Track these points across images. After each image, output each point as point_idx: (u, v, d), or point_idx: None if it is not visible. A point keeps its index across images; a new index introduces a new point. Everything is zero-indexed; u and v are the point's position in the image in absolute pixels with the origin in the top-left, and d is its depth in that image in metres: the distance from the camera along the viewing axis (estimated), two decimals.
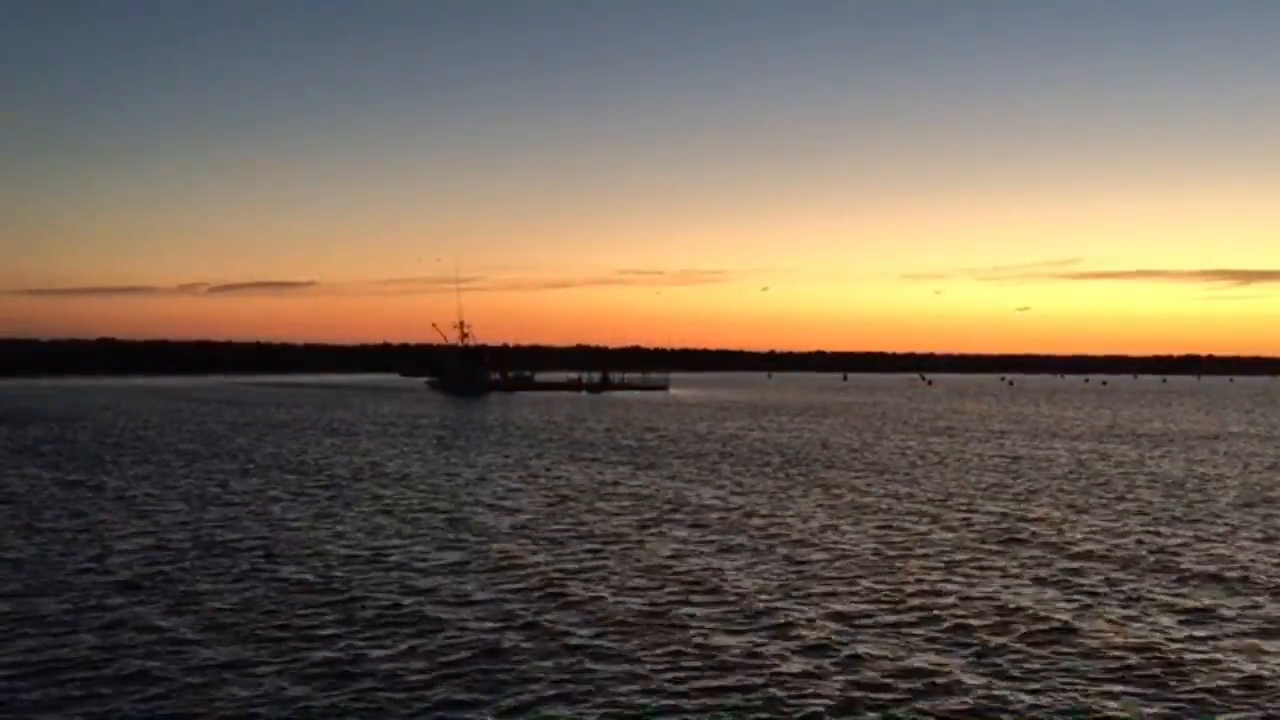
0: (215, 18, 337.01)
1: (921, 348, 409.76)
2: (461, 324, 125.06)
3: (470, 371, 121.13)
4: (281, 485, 29.93)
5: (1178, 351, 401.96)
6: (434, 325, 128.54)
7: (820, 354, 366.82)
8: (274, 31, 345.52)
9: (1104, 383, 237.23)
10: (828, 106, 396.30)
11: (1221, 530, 22.77)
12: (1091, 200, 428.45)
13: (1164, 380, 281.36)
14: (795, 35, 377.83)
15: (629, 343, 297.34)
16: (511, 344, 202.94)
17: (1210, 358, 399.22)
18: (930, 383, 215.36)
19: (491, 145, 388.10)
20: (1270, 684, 11.94)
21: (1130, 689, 11.77)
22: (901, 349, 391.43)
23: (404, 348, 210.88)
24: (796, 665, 12.56)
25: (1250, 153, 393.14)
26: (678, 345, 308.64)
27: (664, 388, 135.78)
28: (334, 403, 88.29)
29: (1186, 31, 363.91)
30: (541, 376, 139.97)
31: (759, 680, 11.96)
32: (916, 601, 15.82)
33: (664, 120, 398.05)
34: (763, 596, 16.04)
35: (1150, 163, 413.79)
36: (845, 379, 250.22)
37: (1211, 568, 18.45)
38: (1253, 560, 19.18)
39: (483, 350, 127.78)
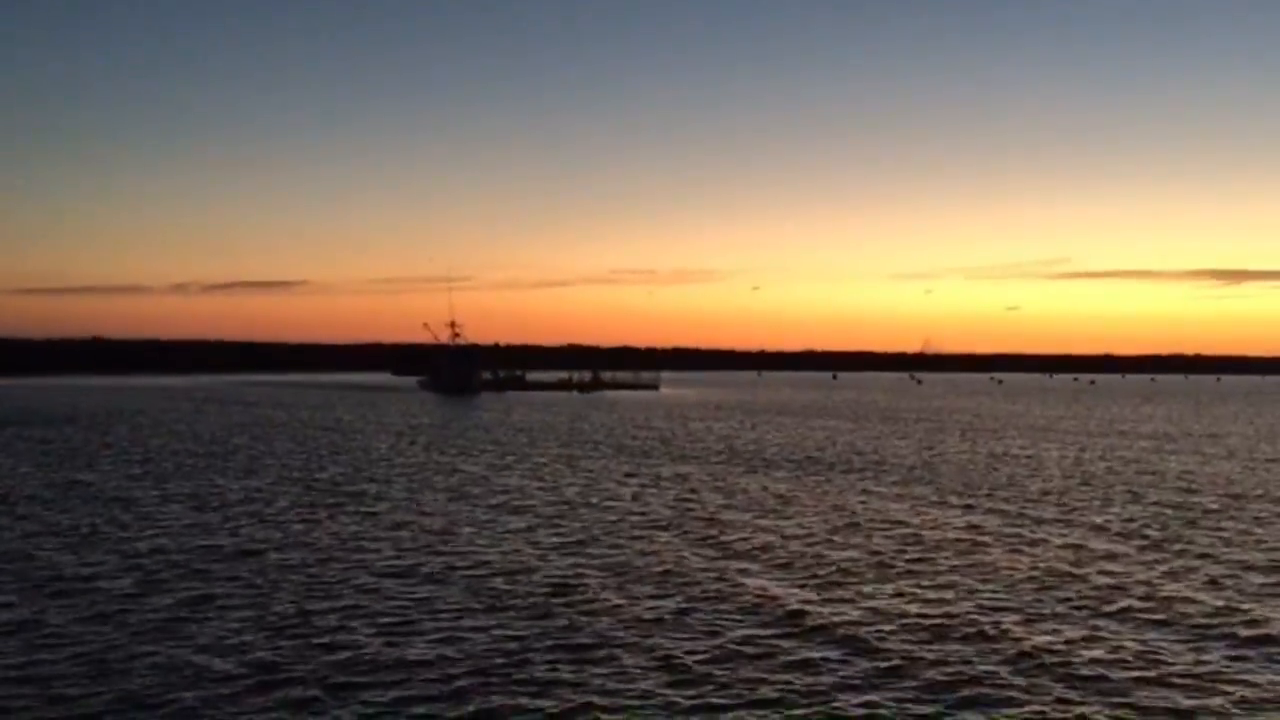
0: (207, 17, 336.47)
1: (912, 347, 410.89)
2: (453, 323, 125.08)
3: (462, 371, 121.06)
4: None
5: (1165, 351, 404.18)
6: (425, 325, 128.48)
7: (811, 353, 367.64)
8: (265, 31, 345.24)
9: (1092, 382, 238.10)
10: (819, 107, 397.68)
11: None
12: (1081, 200, 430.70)
13: (1152, 380, 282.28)
14: (786, 36, 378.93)
15: (621, 342, 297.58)
16: (503, 343, 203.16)
17: (1198, 357, 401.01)
18: (920, 382, 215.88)
19: (484, 144, 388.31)
20: None
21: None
22: (892, 348, 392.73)
23: (395, 347, 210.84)
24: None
25: (1238, 154, 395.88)
26: (669, 344, 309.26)
27: (655, 387, 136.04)
28: (332, 402, 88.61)
29: (1174, 34, 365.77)
30: (532, 376, 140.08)
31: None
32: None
33: (656, 120, 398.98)
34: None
35: (1139, 163, 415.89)
36: (835, 378, 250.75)
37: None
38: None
39: (474, 349, 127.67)
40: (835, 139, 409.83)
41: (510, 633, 13.99)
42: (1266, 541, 21.59)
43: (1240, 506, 27.05)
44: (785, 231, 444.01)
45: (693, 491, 29.22)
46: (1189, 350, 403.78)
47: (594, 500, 27.25)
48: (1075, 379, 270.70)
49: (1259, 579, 17.84)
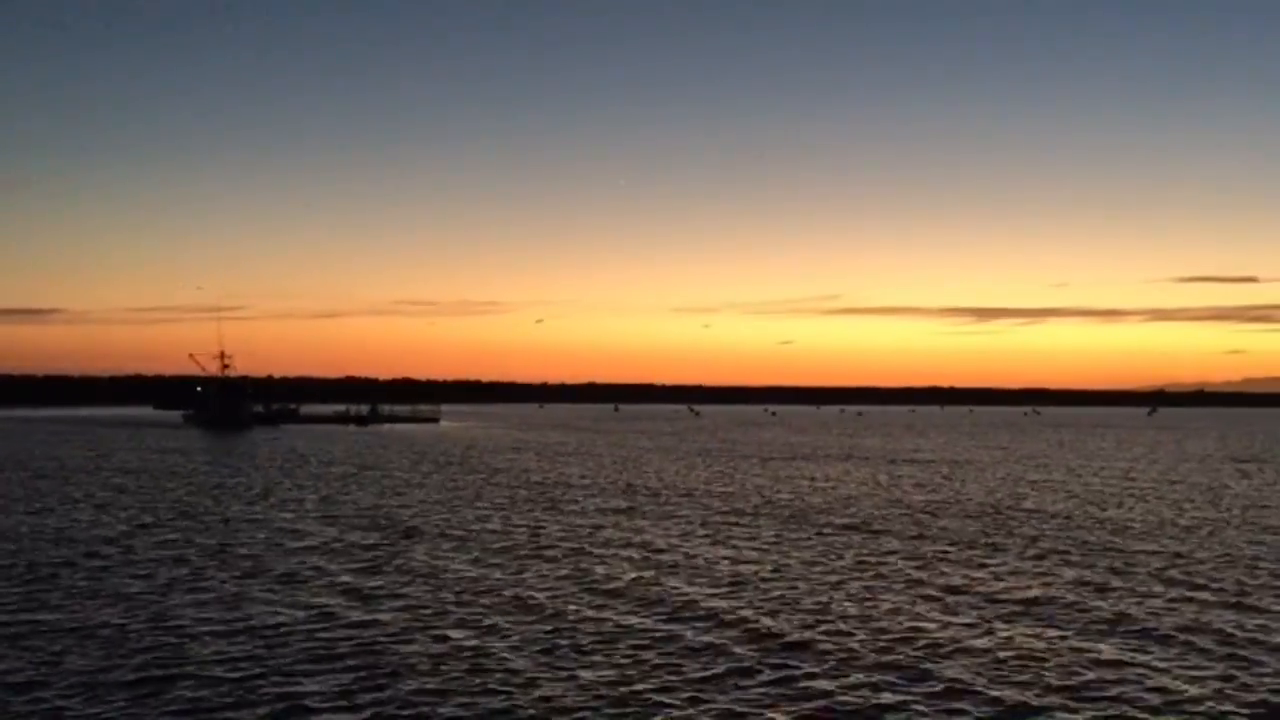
0: None
1: (690, 379, 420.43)
2: (222, 354, 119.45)
3: (231, 404, 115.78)
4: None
5: (924, 383, 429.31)
6: (191, 355, 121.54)
7: (592, 385, 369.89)
8: (15, 47, 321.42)
9: (859, 413, 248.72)
10: (599, 145, 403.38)
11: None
12: (850, 241, 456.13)
13: (912, 411, 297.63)
14: (566, 73, 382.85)
15: (401, 374, 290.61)
16: (277, 375, 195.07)
17: (952, 389, 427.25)
18: (698, 413, 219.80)
19: (256, 169, 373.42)
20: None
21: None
22: (671, 380, 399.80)
23: (159, 379, 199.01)
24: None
25: (988, 202, 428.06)
26: (451, 377, 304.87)
27: (435, 420, 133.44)
28: (72, 438, 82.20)
29: (934, 92, 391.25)
30: (308, 409, 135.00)
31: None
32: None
33: (437, 151, 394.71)
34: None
35: (902, 208, 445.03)
36: (617, 410, 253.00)
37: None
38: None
39: (245, 381, 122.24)
40: (615, 175, 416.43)
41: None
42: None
43: (1005, 521, 28.24)
44: (568, 265, 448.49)
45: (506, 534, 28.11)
46: (944, 383, 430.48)
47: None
48: (842, 410, 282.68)
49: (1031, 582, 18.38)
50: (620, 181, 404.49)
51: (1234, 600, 19.17)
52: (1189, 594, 19.71)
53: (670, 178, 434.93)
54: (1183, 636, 16.22)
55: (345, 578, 20.73)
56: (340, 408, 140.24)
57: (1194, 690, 13.37)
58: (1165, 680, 13.78)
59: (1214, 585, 20.68)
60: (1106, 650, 15.28)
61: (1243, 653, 15.30)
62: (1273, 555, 24.70)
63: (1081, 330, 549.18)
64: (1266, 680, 13.84)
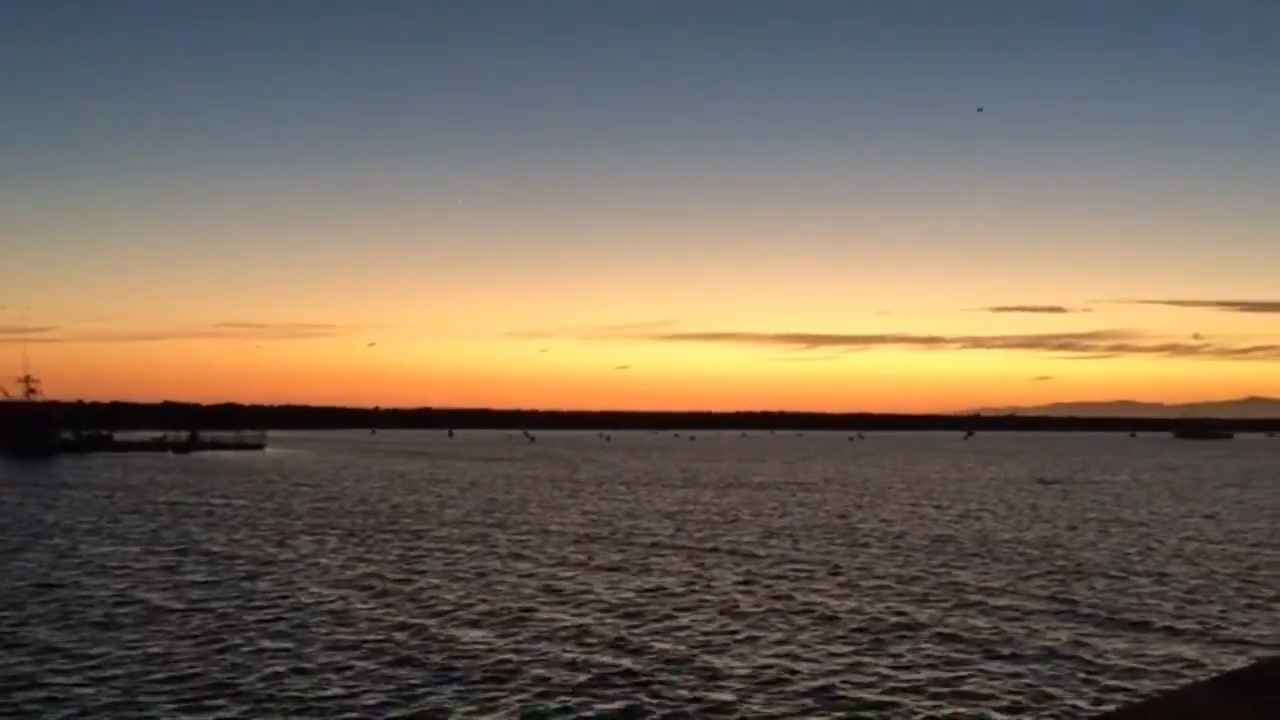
0: None
1: (526, 404, 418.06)
2: (27, 378, 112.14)
3: (34, 431, 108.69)
4: None
5: (756, 408, 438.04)
6: None
7: (426, 410, 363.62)
8: None
9: (692, 438, 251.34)
10: (434, 166, 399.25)
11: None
12: (684, 268, 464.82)
13: (744, 435, 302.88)
14: (400, 94, 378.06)
15: (226, 399, 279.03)
16: (89, 400, 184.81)
17: (782, 414, 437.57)
18: (533, 439, 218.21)
19: (66, 180, 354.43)
20: None
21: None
22: (507, 405, 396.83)
23: None
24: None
25: (816, 232, 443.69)
26: (278, 401, 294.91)
27: (260, 446, 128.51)
28: None
29: (758, 126, 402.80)
30: (122, 435, 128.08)
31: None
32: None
33: (265, 167, 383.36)
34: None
35: (734, 237, 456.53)
36: (451, 435, 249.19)
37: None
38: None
39: (52, 407, 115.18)
40: (452, 196, 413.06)
41: None
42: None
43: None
44: (401, 287, 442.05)
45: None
46: (775, 408, 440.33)
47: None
48: (676, 435, 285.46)
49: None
50: (459, 202, 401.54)
51: (1052, 608, 19.97)
52: (1011, 602, 20.45)
53: (506, 202, 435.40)
54: (1001, 645, 16.83)
55: (171, 615, 19.55)
56: (158, 434, 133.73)
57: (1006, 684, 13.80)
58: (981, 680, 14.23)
59: (1034, 593, 21.54)
60: (946, 658, 15.64)
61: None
62: (1080, 568, 25.95)
63: (903, 357, 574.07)
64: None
